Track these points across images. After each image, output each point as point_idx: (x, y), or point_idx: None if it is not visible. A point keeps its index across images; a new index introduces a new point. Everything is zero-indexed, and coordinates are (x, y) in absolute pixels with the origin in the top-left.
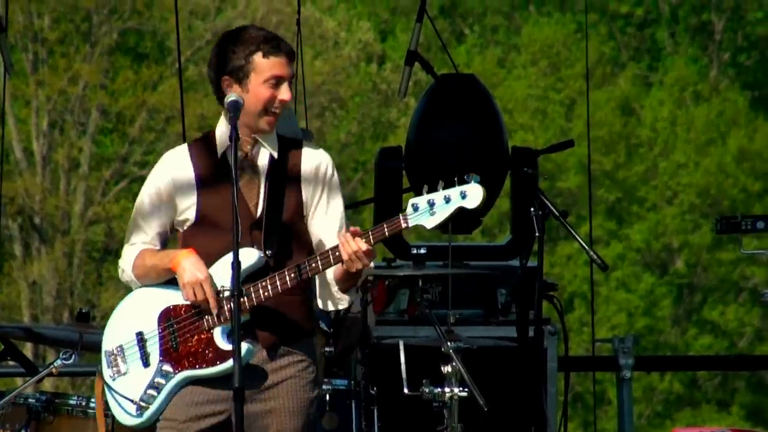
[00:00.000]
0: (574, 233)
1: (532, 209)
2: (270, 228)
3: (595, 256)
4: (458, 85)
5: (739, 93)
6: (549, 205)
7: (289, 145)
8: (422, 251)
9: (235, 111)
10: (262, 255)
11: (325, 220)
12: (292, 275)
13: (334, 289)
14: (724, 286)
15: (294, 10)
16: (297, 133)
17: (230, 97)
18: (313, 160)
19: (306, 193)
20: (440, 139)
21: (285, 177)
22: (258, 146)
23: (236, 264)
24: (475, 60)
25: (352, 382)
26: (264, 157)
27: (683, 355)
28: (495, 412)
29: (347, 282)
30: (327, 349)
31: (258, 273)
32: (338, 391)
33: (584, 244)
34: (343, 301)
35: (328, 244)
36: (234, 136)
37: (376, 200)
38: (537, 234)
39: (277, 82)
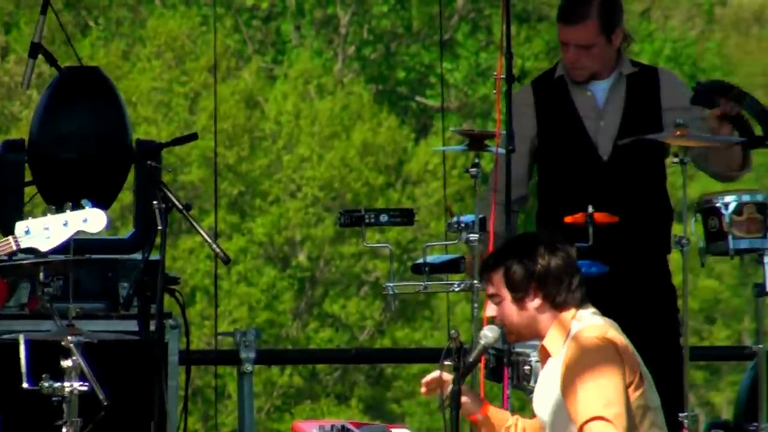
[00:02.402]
0: (197, 227)
1: (155, 202)
2: None
3: (218, 250)
4: (82, 77)
5: (363, 87)
6: (172, 198)
7: None
8: None
9: None
10: None
11: None
12: None
13: None
14: (346, 280)
15: None
16: None
17: None
18: None
19: None
20: (63, 132)
21: None
22: None
23: None
24: (100, 53)
25: None
26: None
27: (304, 348)
28: (116, 406)
29: None
30: None
31: None
32: None
33: (207, 238)
34: None
35: None
36: None
37: None
38: (160, 227)
39: None
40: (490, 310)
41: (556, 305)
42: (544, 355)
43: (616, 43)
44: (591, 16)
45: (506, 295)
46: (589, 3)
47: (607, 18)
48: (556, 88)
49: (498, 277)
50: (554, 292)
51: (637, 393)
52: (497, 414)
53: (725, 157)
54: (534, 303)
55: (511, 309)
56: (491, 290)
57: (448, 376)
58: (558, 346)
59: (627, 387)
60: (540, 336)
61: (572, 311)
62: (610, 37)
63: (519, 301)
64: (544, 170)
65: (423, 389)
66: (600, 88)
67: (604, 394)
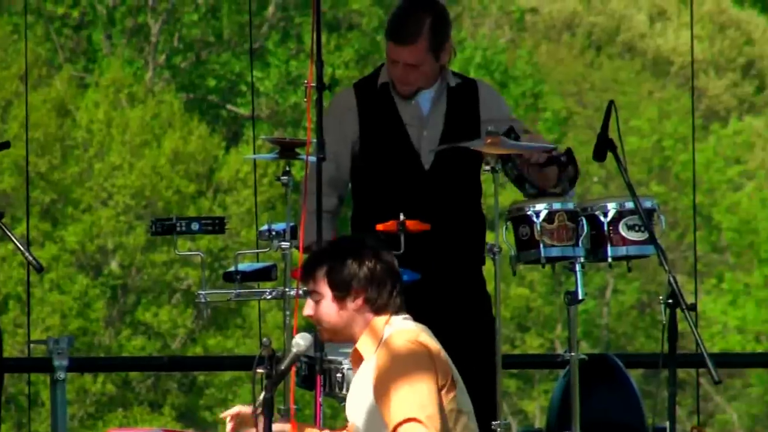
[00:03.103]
0: (9, 234)
1: None
2: None
3: (30, 258)
4: None
5: (174, 95)
6: None
7: None
8: None
9: None
10: None
11: None
12: None
13: None
14: (158, 288)
15: None
16: None
17: None
18: None
19: None
20: None
21: None
22: None
23: None
24: None
25: None
26: None
27: (116, 356)
28: None
29: None
30: None
31: None
32: None
33: (19, 245)
34: None
35: None
36: None
37: None
38: None
39: None
40: (308, 308)
41: (376, 309)
42: (357, 359)
43: (444, 59)
44: (421, 36)
45: (327, 293)
46: (419, 23)
47: (437, 37)
48: (380, 95)
49: (321, 274)
50: (376, 296)
51: (450, 396)
52: (306, 429)
53: (542, 177)
54: (354, 304)
55: (330, 308)
56: (312, 286)
57: (246, 410)
58: (370, 350)
59: (439, 390)
60: (354, 338)
61: (387, 316)
62: (439, 55)
63: (339, 300)
64: (362, 175)
65: (228, 428)
66: (425, 98)
67: (416, 397)
